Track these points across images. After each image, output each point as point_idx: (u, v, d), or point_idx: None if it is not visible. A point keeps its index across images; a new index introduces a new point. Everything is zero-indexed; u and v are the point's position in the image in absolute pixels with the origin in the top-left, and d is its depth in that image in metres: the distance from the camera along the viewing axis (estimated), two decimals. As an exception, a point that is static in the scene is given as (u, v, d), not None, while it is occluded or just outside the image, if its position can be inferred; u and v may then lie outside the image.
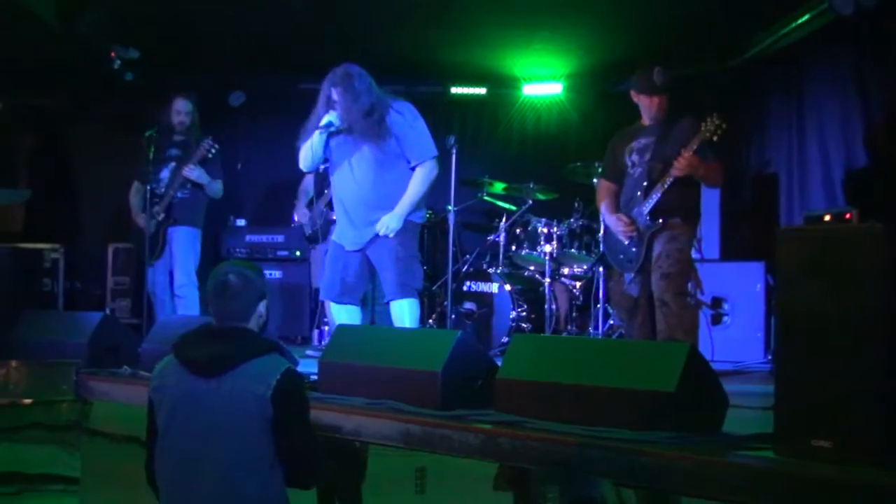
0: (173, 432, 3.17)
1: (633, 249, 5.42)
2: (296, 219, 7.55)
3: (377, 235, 5.40)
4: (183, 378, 3.17)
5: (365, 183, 5.41)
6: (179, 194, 6.93)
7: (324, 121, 5.39)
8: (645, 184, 5.39)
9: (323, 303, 7.20)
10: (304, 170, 5.73)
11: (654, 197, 5.31)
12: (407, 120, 5.42)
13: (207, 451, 3.10)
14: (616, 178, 5.67)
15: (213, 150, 6.90)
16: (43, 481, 5.48)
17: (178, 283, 6.85)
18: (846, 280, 2.71)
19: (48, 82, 8.69)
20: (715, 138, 5.16)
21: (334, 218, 6.85)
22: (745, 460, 2.85)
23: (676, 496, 3.23)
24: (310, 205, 7.33)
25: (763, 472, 2.75)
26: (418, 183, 5.42)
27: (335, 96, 5.38)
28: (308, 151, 5.50)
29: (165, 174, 6.96)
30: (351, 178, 5.45)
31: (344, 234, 5.54)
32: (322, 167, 5.81)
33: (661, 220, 5.31)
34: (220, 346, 3.18)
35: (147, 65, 7.93)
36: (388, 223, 5.36)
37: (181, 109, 7.06)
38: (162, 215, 6.88)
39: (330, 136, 5.44)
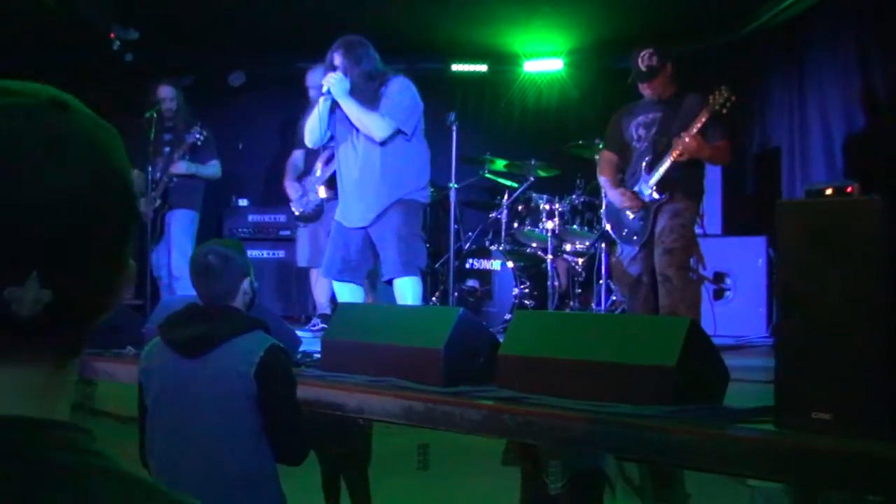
0: (161, 413, 3.19)
1: (640, 223, 5.42)
2: (290, 194, 7.38)
3: (381, 213, 5.39)
4: (169, 359, 3.18)
5: (367, 158, 5.39)
6: (175, 179, 6.97)
7: (325, 87, 5.37)
8: (649, 158, 5.39)
9: (311, 284, 7.21)
10: (311, 145, 5.70)
11: (659, 171, 5.31)
12: (392, 89, 5.40)
13: (194, 431, 3.11)
14: (618, 149, 5.66)
15: (202, 138, 6.90)
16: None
17: (176, 265, 6.88)
18: (847, 253, 2.71)
19: (47, 63, 8.66)
20: (724, 111, 5.15)
21: (325, 197, 6.83)
22: (745, 433, 2.86)
23: (678, 469, 3.24)
24: (299, 179, 7.22)
25: (764, 444, 2.76)
26: (366, 114, 5.33)
27: (337, 61, 5.38)
28: (314, 122, 5.48)
29: (160, 160, 7.00)
30: (354, 154, 5.44)
31: (347, 212, 5.53)
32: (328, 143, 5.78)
33: (666, 194, 5.31)
34: (204, 325, 3.18)
35: (147, 46, 7.92)
36: (334, 81, 5.32)
37: (164, 96, 7.10)
38: (159, 201, 6.90)
39: (333, 102, 5.42)
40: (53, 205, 0.87)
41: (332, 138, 5.60)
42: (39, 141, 0.89)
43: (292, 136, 7.36)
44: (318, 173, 6.88)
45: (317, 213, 6.99)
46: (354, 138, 5.42)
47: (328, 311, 7.00)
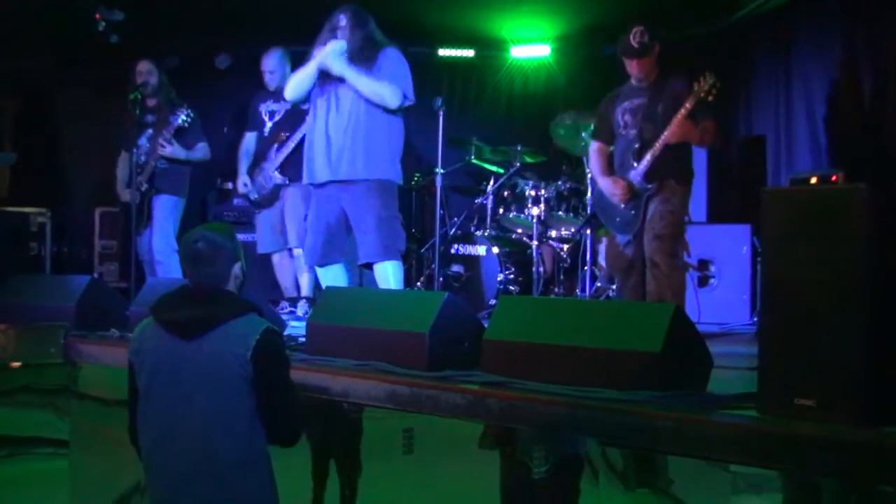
0: (154, 394, 3.19)
1: (632, 212, 5.43)
2: (241, 187, 7.27)
3: (361, 184, 5.36)
4: (162, 340, 3.18)
5: (354, 116, 5.37)
6: (160, 164, 6.91)
7: (319, 58, 5.36)
8: (637, 146, 5.39)
9: (274, 268, 7.21)
10: (289, 98, 5.68)
11: (648, 159, 5.32)
12: (390, 56, 5.42)
13: (187, 413, 3.11)
14: (608, 138, 5.67)
15: (189, 120, 6.85)
16: (32, 444, 5.50)
17: (157, 249, 6.84)
18: (830, 241, 2.73)
19: (33, 44, 8.61)
20: (710, 98, 5.16)
21: (279, 182, 6.81)
22: (729, 419, 2.88)
23: (661, 455, 3.26)
24: (251, 170, 7.20)
25: (747, 430, 2.78)
26: (377, 82, 5.31)
27: (343, 22, 5.35)
28: (300, 79, 5.48)
29: (143, 142, 6.94)
30: (337, 111, 5.40)
31: (322, 169, 5.45)
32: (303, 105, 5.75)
33: (655, 182, 5.32)
34: (199, 307, 3.19)
35: (133, 27, 7.86)
36: (332, 50, 5.32)
37: (142, 69, 7.02)
38: (145, 185, 6.86)
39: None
40: None
41: (306, 100, 5.63)
42: None
43: (244, 120, 7.34)
44: (273, 157, 6.88)
45: (271, 199, 6.97)
46: (340, 96, 5.39)
47: (294, 294, 7.01)
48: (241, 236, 7.84)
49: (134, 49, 7.85)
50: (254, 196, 7.04)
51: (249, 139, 7.20)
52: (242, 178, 7.12)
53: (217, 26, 8.55)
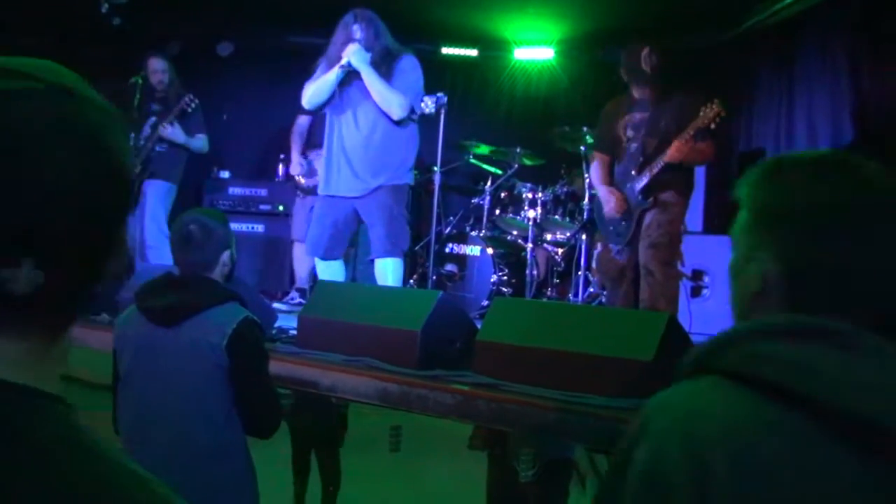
0: (134, 381, 3.18)
1: (623, 223, 5.42)
2: (297, 168, 7.28)
3: (376, 189, 5.36)
4: (143, 327, 3.17)
5: (370, 130, 5.37)
6: (158, 148, 6.91)
7: (344, 59, 5.32)
8: (641, 159, 5.38)
9: (294, 257, 7.21)
10: (307, 107, 5.64)
11: (647, 176, 5.31)
12: (406, 66, 5.40)
13: (165, 400, 3.10)
14: (609, 149, 5.65)
15: (193, 105, 6.85)
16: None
17: (149, 234, 6.84)
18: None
19: (35, 25, 8.57)
20: (713, 126, 5.14)
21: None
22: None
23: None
24: (304, 151, 7.19)
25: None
26: (389, 89, 5.29)
27: (358, 33, 5.33)
28: (322, 86, 5.41)
29: (146, 130, 6.94)
30: (354, 126, 5.40)
31: (340, 184, 5.47)
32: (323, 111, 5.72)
33: (652, 199, 5.32)
34: (180, 295, 3.17)
35: (135, 10, 7.83)
36: (354, 51, 5.28)
37: (157, 68, 7.02)
38: (139, 168, 6.85)
39: (346, 75, 5.37)
40: (51, 194, 0.88)
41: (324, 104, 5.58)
42: (40, 129, 0.89)
43: (293, 103, 7.30)
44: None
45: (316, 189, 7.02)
46: (356, 111, 5.39)
47: (306, 286, 6.99)
48: (237, 225, 7.92)
49: (136, 32, 7.82)
50: (303, 181, 7.05)
51: (303, 124, 7.21)
52: (297, 159, 7.12)
53: (220, 14, 8.52)
